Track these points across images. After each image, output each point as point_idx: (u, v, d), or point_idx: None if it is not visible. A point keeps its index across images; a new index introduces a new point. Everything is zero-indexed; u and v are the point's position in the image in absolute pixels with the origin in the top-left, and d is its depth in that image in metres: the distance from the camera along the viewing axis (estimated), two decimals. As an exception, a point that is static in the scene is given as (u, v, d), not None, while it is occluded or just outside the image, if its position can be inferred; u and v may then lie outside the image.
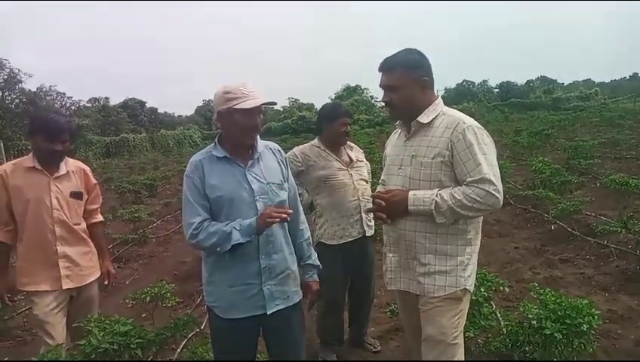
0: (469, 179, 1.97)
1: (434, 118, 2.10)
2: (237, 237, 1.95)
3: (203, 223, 2.01)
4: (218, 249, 1.98)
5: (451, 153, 2.01)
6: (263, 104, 2.04)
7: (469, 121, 2.06)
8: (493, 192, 1.94)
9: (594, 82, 79.92)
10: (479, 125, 2.06)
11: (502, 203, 1.99)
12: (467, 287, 2.11)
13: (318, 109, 3.59)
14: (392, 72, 2.12)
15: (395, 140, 2.34)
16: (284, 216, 1.95)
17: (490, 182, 1.94)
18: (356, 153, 3.40)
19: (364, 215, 3.18)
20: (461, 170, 2.00)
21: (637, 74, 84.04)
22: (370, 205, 2.30)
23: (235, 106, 1.98)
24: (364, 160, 3.47)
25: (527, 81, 62.76)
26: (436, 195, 1.99)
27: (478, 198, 1.94)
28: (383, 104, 2.26)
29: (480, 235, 2.19)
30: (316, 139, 3.33)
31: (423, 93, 2.11)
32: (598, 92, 51.61)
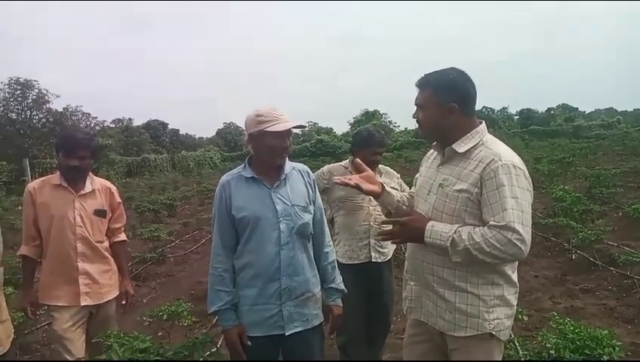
0: (492, 223, 1.81)
1: (472, 148, 1.94)
2: (214, 309, 2.15)
3: (223, 273, 2.14)
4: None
5: (480, 191, 1.86)
6: (293, 127, 2.13)
7: (507, 157, 1.88)
8: (516, 241, 1.76)
9: (616, 110, 79.17)
10: (519, 162, 1.89)
11: (527, 253, 1.81)
12: (493, 332, 1.91)
13: (355, 132, 3.65)
14: (423, 90, 2.00)
15: (430, 161, 2.19)
16: None
17: (515, 230, 1.76)
18: (386, 178, 3.35)
19: (372, 240, 3.21)
20: (487, 211, 1.84)
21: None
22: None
23: (267, 129, 2.06)
24: (398, 185, 3.39)
25: (548, 108, 62.50)
26: (455, 232, 1.85)
27: (498, 245, 1.77)
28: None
29: (514, 277, 1.98)
30: (348, 160, 3.37)
31: (448, 118, 1.95)
32: (621, 120, 51.05)
